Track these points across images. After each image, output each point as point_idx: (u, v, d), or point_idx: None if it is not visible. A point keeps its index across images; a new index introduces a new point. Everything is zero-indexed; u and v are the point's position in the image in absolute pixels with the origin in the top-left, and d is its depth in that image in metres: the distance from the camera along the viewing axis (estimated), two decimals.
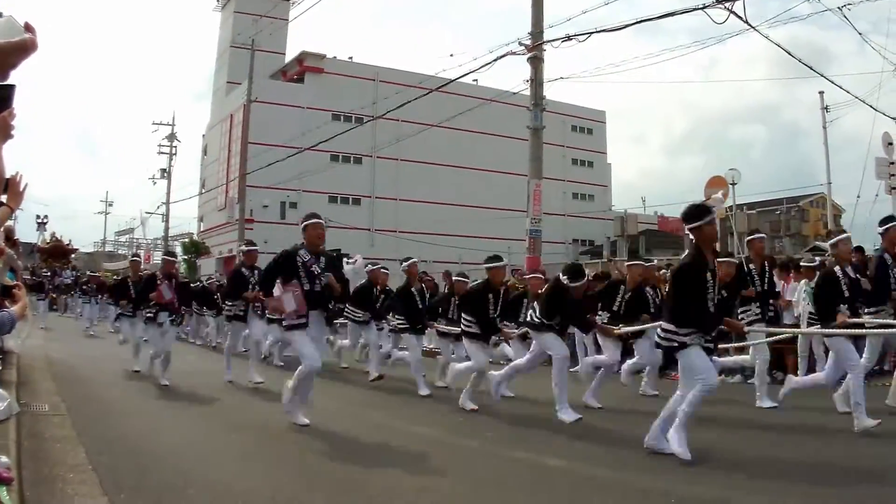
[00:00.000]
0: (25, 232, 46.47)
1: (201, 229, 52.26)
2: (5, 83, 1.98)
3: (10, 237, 7.11)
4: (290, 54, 52.41)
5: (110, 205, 62.76)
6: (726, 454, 6.20)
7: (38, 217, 48.24)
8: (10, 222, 6.28)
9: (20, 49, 1.85)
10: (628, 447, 6.57)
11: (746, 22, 13.77)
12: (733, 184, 23.87)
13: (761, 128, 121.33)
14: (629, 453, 6.38)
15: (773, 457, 6.16)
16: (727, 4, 13.66)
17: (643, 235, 44.17)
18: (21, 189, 3.53)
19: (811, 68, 18.05)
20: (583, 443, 6.95)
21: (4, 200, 3.63)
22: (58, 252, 45.20)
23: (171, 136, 49.31)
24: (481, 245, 32.38)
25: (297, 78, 49.06)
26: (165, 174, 49.15)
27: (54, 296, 34.35)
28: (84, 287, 26.28)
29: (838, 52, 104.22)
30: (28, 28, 1.87)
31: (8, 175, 3.10)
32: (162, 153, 49.60)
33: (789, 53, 15.59)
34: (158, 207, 49.68)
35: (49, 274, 36.98)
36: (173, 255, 10.87)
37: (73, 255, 48.25)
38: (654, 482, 5.33)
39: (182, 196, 66.52)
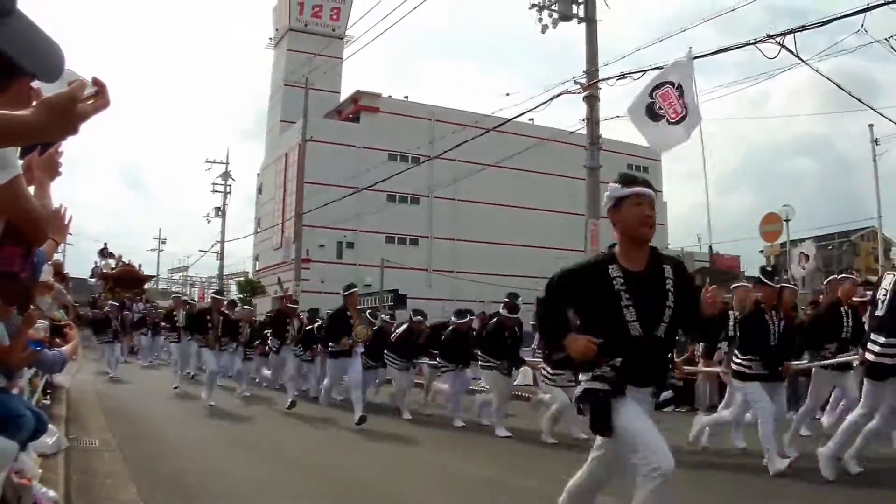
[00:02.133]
0: (79, 269, 42.73)
1: (257, 268, 52.52)
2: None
3: (58, 272, 6.92)
4: (345, 93, 52.98)
5: (164, 242, 62.72)
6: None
7: (104, 246, 41.68)
8: (57, 256, 6.05)
9: (76, 97, 1.51)
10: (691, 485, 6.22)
11: (798, 56, 13.34)
12: (787, 220, 23.43)
13: (810, 161, 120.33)
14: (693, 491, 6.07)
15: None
16: (778, 39, 13.29)
17: (699, 273, 43.26)
18: (66, 222, 3.41)
19: (861, 101, 17.44)
20: None
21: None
22: (127, 279, 38.38)
23: (226, 175, 48.79)
24: (539, 285, 31.76)
25: (352, 117, 49.42)
26: (220, 212, 48.74)
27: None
28: (208, 319, 13.57)
29: (884, 82, 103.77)
30: (96, 83, 1.59)
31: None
32: (216, 191, 49.22)
33: (840, 87, 15.12)
34: (213, 246, 49.41)
35: (119, 305, 24.01)
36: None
37: (146, 285, 42.14)
38: None
39: (235, 235, 66.75)
